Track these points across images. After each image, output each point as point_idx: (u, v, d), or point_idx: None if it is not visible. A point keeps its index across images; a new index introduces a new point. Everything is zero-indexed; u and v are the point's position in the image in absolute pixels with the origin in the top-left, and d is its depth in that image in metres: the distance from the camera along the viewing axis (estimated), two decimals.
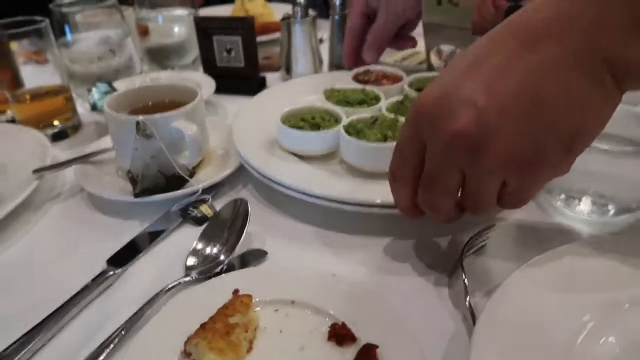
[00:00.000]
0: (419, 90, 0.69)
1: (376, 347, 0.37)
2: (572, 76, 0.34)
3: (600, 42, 0.33)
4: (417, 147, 0.40)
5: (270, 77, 0.92)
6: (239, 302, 0.41)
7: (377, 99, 0.67)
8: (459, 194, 0.42)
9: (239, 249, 0.49)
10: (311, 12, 0.85)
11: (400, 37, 0.80)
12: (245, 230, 0.50)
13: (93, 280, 0.47)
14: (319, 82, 0.74)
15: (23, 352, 0.40)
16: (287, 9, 0.91)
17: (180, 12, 0.91)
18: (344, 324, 0.40)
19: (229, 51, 0.85)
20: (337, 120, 0.61)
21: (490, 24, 0.45)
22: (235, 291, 0.43)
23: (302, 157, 0.60)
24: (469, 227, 0.50)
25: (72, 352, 0.41)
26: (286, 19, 0.86)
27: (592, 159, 0.46)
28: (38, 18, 0.73)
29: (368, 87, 0.69)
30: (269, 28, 1.11)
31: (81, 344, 0.41)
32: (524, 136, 0.36)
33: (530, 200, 0.42)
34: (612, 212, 0.52)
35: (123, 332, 0.41)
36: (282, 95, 0.74)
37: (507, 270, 0.42)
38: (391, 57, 0.92)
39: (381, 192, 0.50)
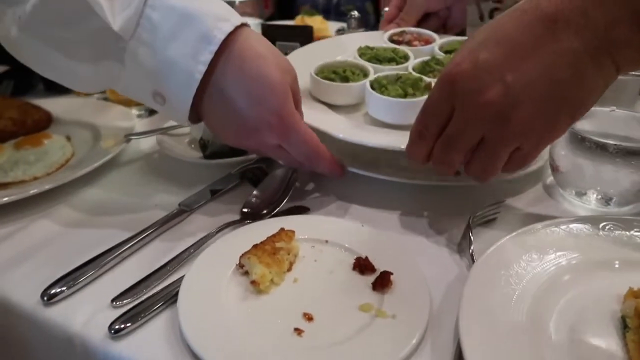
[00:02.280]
0: (447, 52, 0.76)
1: (391, 273, 0.46)
2: (584, 64, 0.43)
3: (609, 40, 0.42)
4: (446, 110, 0.48)
5: None
6: (284, 233, 0.51)
7: (406, 57, 0.74)
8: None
9: (286, 205, 0.60)
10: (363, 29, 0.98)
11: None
12: (292, 189, 0.61)
13: (167, 216, 0.58)
14: (358, 41, 0.80)
15: (113, 256, 0.51)
16: (343, 25, 1.04)
17: (251, 20, 1.05)
18: (366, 258, 0.49)
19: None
20: (365, 74, 0.69)
21: None
22: (282, 229, 0.53)
23: (331, 107, 0.68)
24: (483, 202, 0.58)
25: (150, 263, 0.51)
26: (341, 30, 0.98)
27: (602, 167, 0.56)
28: None
29: (399, 47, 0.76)
30: None
31: (157, 259, 0.52)
32: (542, 107, 0.45)
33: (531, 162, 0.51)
34: (614, 204, 0.59)
35: (192, 250, 0.52)
36: (320, 50, 0.80)
37: None
38: None
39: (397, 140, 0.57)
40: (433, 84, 0.63)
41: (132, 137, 0.74)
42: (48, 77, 0.58)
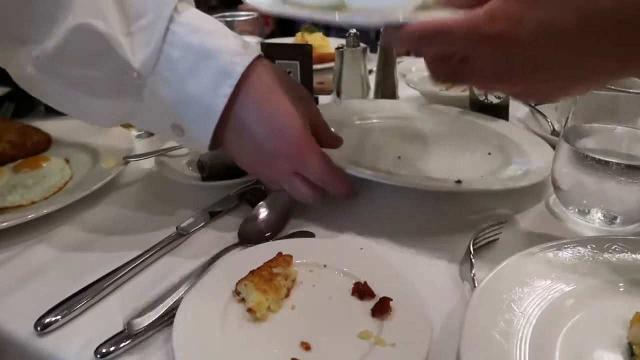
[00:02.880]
0: None
1: (390, 299, 0.45)
2: (619, 70, 0.42)
3: None
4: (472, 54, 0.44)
5: (323, 99, 1.03)
6: (281, 258, 0.50)
7: None
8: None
9: (288, 228, 0.59)
10: (362, 45, 0.97)
11: None
12: (291, 211, 0.60)
13: (165, 240, 0.57)
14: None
15: (108, 283, 0.51)
16: (343, 42, 1.03)
17: (251, 39, 1.05)
18: (365, 283, 0.48)
19: (288, 73, 0.98)
20: None
21: None
22: (279, 253, 0.52)
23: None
24: (484, 221, 0.57)
25: (146, 290, 0.50)
26: (340, 48, 0.98)
27: (605, 185, 0.55)
28: None
29: None
30: (324, 58, 1.23)
31: (154, 285, 0.51)
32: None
33: None
34: (619, 222, 0.58)
35: (189, 278, 0.51)
36: None
37: None
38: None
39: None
40: None
41: (131, 160, 0.73)
42: (64, 112, 0.59)
